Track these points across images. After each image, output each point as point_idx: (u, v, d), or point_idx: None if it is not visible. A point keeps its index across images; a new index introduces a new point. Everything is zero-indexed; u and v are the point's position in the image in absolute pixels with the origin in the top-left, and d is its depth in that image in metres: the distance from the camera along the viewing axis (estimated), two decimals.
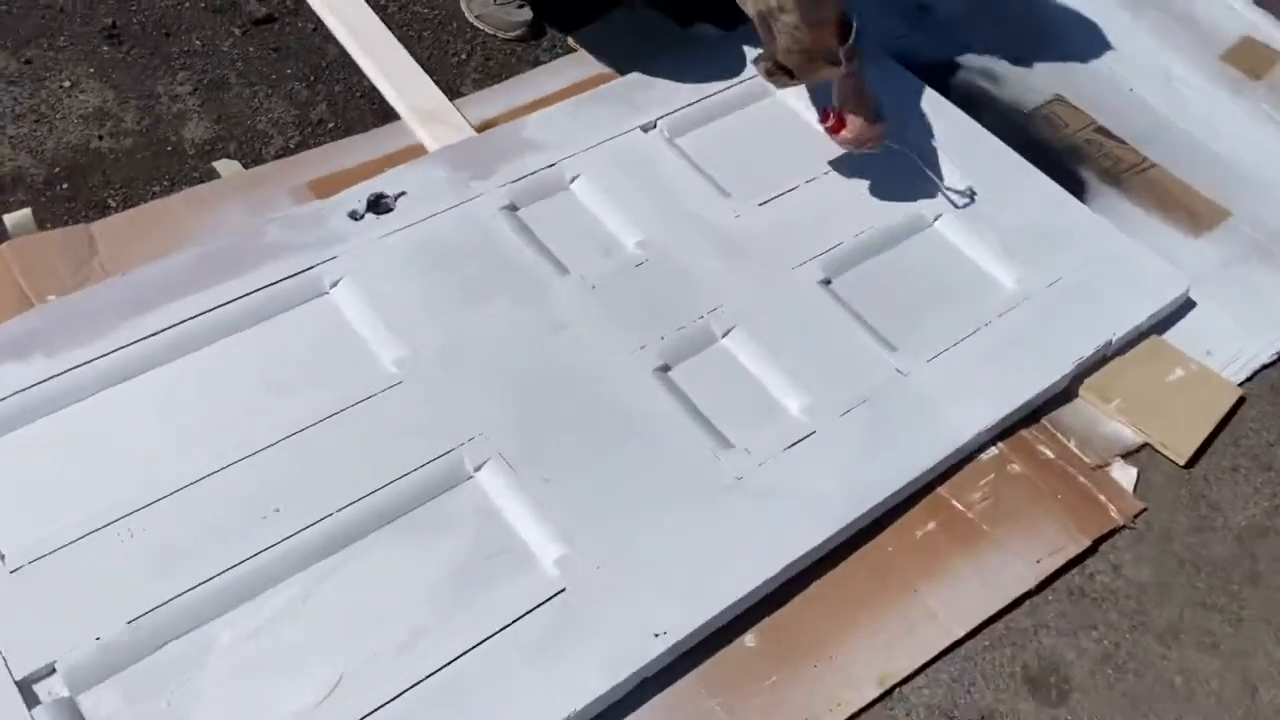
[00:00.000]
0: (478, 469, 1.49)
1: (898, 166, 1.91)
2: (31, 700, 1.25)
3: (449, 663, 1.32)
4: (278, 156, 1.91)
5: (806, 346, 1.68)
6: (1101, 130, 2.15)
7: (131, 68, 1.99)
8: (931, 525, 1.57)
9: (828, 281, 1.77)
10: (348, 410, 1.52)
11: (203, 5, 2.11)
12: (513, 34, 2.14)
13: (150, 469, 1.43)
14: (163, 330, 1.56)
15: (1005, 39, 2.28)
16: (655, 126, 1.95)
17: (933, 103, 2.06)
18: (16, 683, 1.25)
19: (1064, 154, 2.10)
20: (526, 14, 2.12)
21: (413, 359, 1.58)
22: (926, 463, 1.58)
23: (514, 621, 1.36)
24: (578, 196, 1.84)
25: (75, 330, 1.54)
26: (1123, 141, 2.14)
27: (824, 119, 1.82)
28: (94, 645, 1.29)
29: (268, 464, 1.46)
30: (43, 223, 1.74)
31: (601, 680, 1.33)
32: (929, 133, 2.00)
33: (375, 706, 1.28)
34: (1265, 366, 1.83)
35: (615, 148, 1.90)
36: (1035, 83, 2.22)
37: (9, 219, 1.71)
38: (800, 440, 1.57)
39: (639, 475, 1.51)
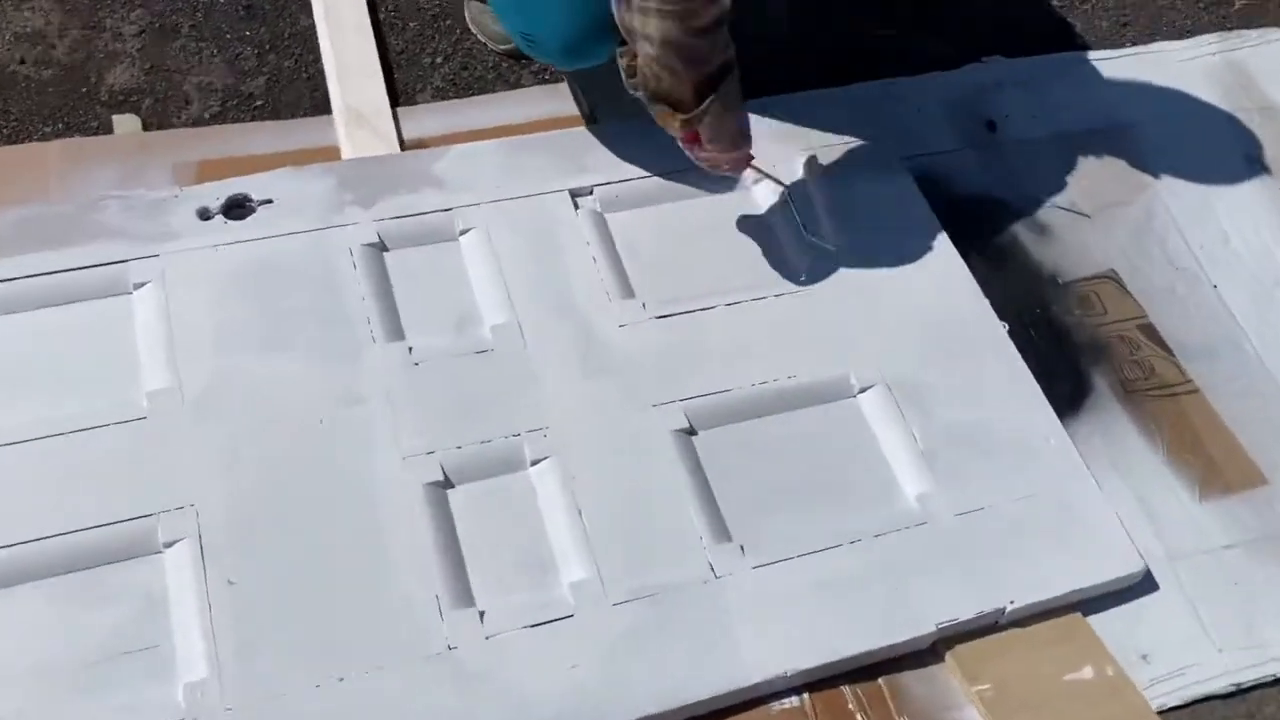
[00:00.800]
0: (169, 545, 1.30)
1: (851, 316, 1.58)
2: None
3: None
4: (187, 124, 1.76)
5: (620, 506, 1.39)
6: (1147, 329, 1.73)
7: None
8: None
9: (691, 432, 1.48)
10: (71, 435, 1.35)
11: None
12: (503, 47, 1.90)
13: None
14: None
15: (1078, 185, 1.87)
16: (590, 194, 1.68)
17: (929, 237, 1.70)
18: None
19: (1082, 348, 1.70)
20: None
21: (168, 395, 1.39)
22: (687, 695, 1.28)
23: None
24: (461, 252, 1.60)
25: None
26: (1168, 351, 1.71)
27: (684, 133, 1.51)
28: None
29: None
30: None
31: None
32: (902, 259, 1.66)
33: None
34: (1212, 698, 1.41)
35: (530, 207, 1.65)
36: (1092, 249, 1.80)
37: None
38: (551, 621, 1.30)
39: (339, 613, 1.28)
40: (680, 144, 1.55)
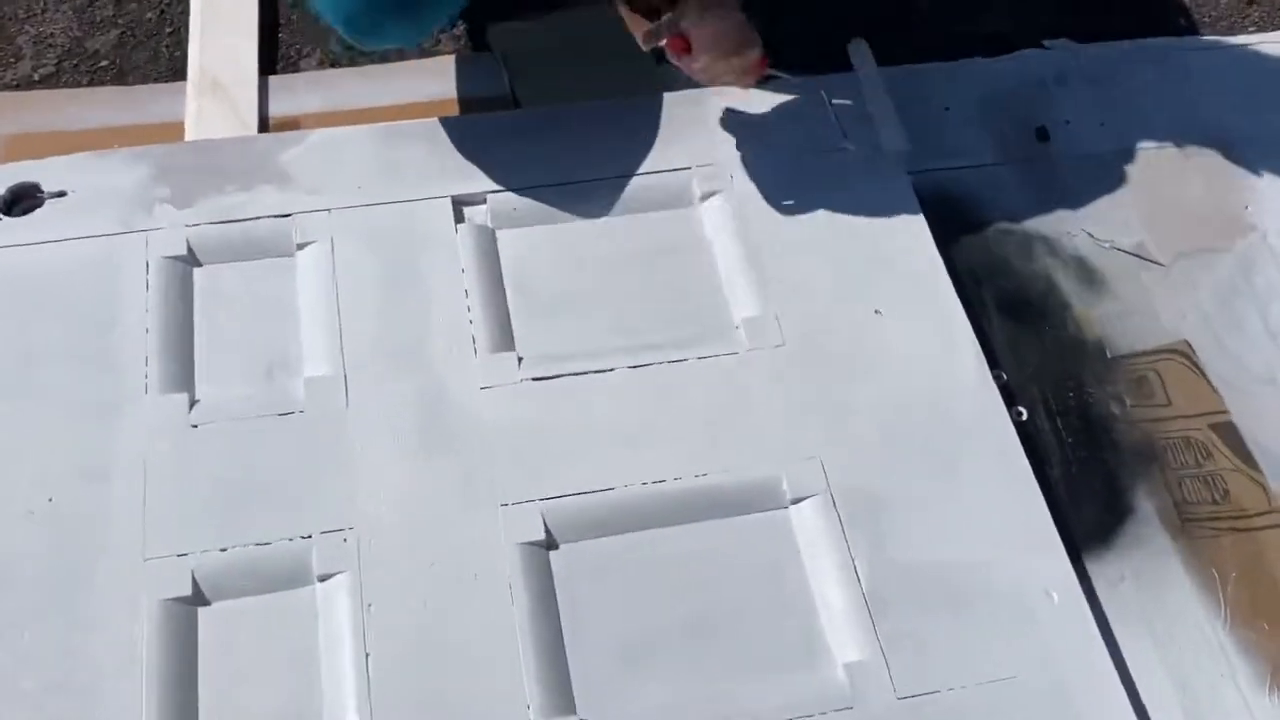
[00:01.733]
0: None
1: (797, 391, 1.17)
2: None
3: None
4: (8, 88, 1.42)
5: (424, 653, 1.01)
6: (1226, 429, 1.26)
7: None
8: None
9: (549, 545, 1.08)
10: None
11: None
12: None
13: None
14: None
15: (1151, 221, 1.39)
16: (482, 203, 1.29)
17: (924, 279, 1.26)
18: None
19: (1128, 451, 1.24)
20: None
21: None
22: None
23: None
24: (297, 272, 1.23)
25: None
26: (1253, 465, 1.24)
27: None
28: None
29: None
30: None
31: None
32: (880, 309, 1.23)
33: None
34: None
35: (396, 217, 1.26)
36: (1161, 312, 1.33)
37: None
38: None
39: None
40: (670, 59, 1.23)
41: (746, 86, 1.33)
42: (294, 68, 1.47)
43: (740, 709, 1.01)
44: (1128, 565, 1.16)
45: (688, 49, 1.21)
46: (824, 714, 1.01)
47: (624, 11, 1.25)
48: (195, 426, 1.11)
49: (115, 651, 0.99)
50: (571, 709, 1.00)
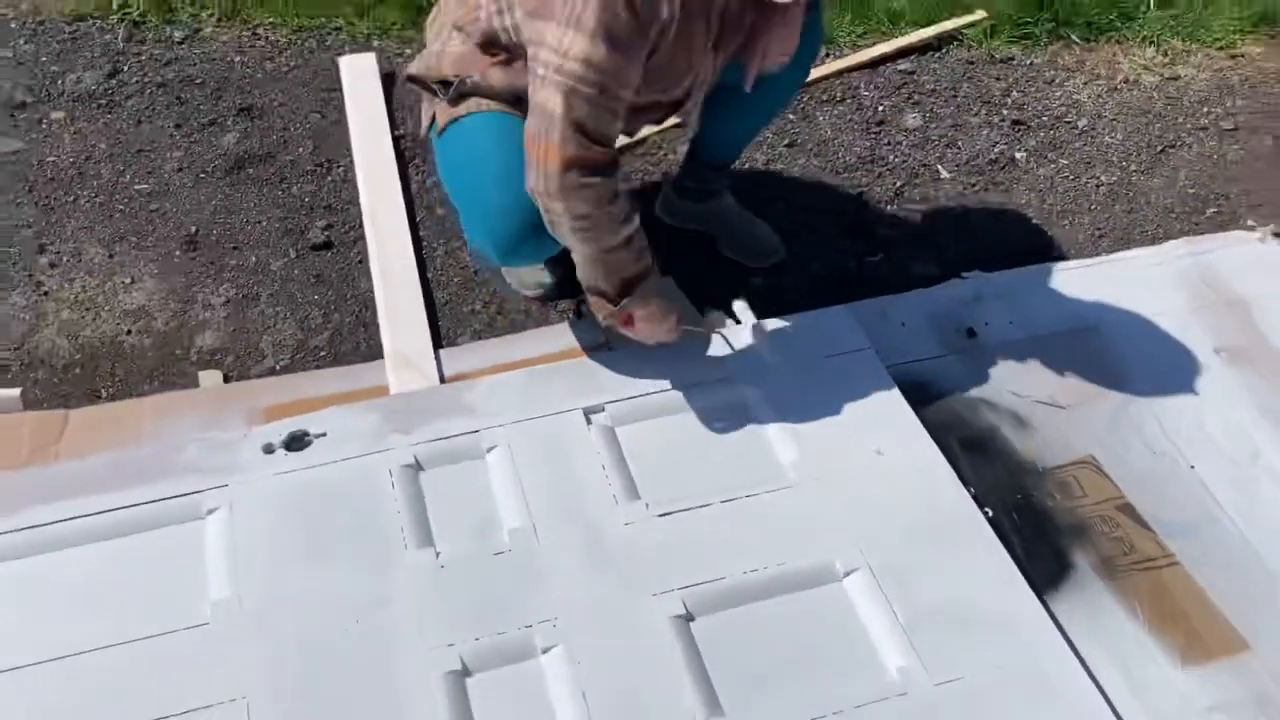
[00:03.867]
0: None
1: (835, 507, 1.75)
2: None
3: None
4: (261, 375, 2.06)
5: (622, 687, 1.54)
6: (1126, 509, 1.84)
7: (188, 274, 2.23)
8: None
9: (690, 618, 1.63)
10: (146, 640, 1.57)
11: (277, 225, 2.34)
12: (530, 293, 2.19)
13: None
14: (46, 524, 1.71)
15: (1053, 380, 2.03)
16: (603, 410, 1.91)
17: (906, 431, 1.87)
18: None
19: (1064, 530, 1.81)
20: (547, 276, 2.17)
21: (228, 604, 1.62)
22: None
23: None
24: (488, 468, 1.83)
25: None
26: (1147, 528, 1.82)
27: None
28: None
29: (45, 676, 1.53)
30: (40, 402, 1.98)
31: None
32: (880, 451, 1.85)
33: None
34: None
35: (548, 426, 1.88)
36: (1071, 439, 1.95)
37: (1, 395, 1.96)
38: None
39: None
40: (617, 326, 1.85)
41: (671, 340, 1.88)
42: (453, 343, 2.11)
43: (829, 700, 1.53)
44: (1076, 601, 1.71)
45: (631, 322, 1.83)
46: (887, 699, 1.53)
47: (591, 300, 1.81)
48: (442, 567, 1.67)
49: (419, 710, 1.51)
50: (721, 711, 1.52)
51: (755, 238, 2.28)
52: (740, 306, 2.10)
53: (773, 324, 2.05)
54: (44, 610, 1.61)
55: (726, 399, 1.93)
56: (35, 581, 1.65)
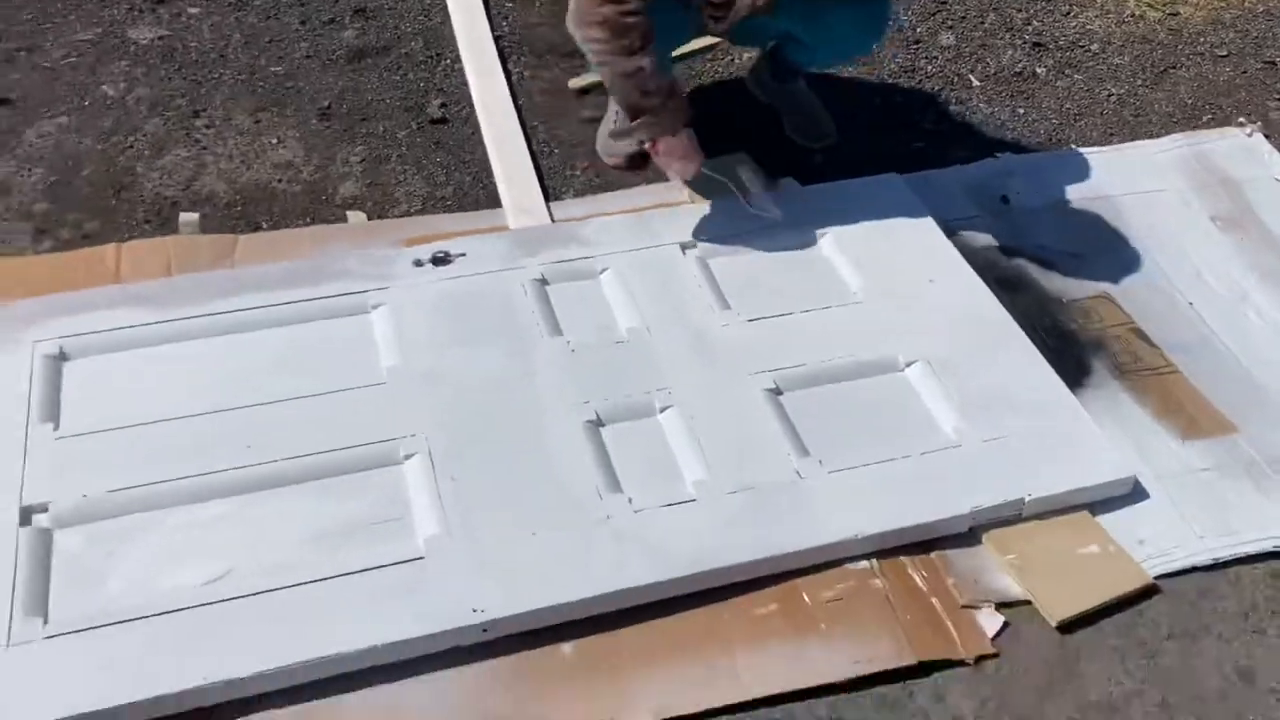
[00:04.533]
0: (407, 458, 1.82)
1: (895, 316, 2.10)
2: (25, 522, 1.69)
3: (307, 583, 1.64)
4: (397, 217, 2.39)
5: (727, 438, 1.88)
6: (1136, 331, 2.20)
7: (326, 138, 2.57)
8: (773, 607, 1.70)
9: (778, 392, 1.97)
10: (337, 393, 1.91)
11: (399, 103, 2.68)
12: (612, 162, 2.52)
13: (179, 398, 1.88)
14: (238, 311, 2.04)
15: (1073, 236, 2.39)
16: (695, 247, 2.25)
17: (943, 258, 2.23)
18: (20, 508, 1.70)
19: (1085, 345, 2.17)
20: (630, 147, 2.50)
21: (401, 369, 1.96)
22: (782, 547, 1.72)
23: (372, 569, 1.66)
24: (601, 285, 2.17)
25: (182, 298, 2.06)
26: (1154, 345, 2.17)
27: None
28: (83, 500, 1.73)
29: (261, 414, 1.86)
30: (209, 229, 2.31)
31: (414, 628, 1.60)
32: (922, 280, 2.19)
33: (238, 595, 1.62)
34: (1197, 569, 1.80)
35: (651, 256, 2.22)
36: (1088, 279, 2.31)
37: (182, 217, 2.29)
38: (678, 504, 1.78)
39: (527, 490, 1.78)
40: (648, 149, 2.18)
41: (687, 177, 2.21)
42: (559, 198, 2.45)
43: (898, 450, 1.88)
44: (1096, 396, 2.07)
45: (656, 150, 2.15)
46: (945, 449, 1.88)
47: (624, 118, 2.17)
48: (573, 351, 2.01)
49: (567, 446, 1.85)
50: (808, 453, 1.86)
51: (816, 121, 2.63)
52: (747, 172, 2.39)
53: (842, 183, 2.41)
54: (250, 369, 1.94)
55: (801, 239, 2.28)
56: (238, 348, 1.98)
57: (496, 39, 2.86)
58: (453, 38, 2.86)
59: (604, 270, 2.19)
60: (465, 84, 2.74)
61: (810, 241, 2.28)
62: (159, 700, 1.52)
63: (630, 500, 1.78)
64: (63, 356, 1.95)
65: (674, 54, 2.60)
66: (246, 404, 1.88)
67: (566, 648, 1.65)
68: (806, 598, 1.72)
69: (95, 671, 1.53)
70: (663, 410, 1.93)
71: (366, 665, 1.60)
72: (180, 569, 1.66)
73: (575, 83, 2.76)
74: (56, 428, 1.83)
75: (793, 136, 2.64)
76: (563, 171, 2.55)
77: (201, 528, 1.72)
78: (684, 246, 2.25)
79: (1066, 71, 2.99)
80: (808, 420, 1.93)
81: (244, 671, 1.54)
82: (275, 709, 1.56)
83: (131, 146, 2.51)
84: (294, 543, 1.71)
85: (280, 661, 1.55)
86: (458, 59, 2.81)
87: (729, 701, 1.60)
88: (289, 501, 1.77)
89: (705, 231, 2.28)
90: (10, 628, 1.57)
